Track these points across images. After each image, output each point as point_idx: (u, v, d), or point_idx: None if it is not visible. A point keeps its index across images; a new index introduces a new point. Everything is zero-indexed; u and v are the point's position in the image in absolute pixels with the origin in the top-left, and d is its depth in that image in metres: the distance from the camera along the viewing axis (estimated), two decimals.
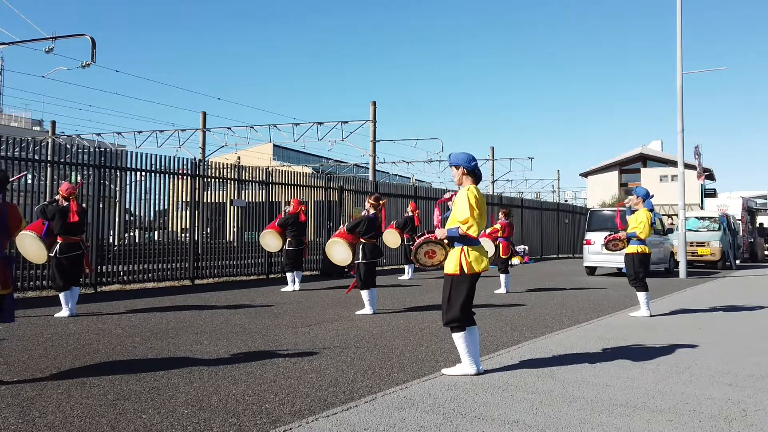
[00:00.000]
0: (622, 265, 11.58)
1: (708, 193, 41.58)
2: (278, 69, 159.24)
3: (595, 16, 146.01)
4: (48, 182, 12.24)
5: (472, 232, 4.85)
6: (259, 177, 15.39)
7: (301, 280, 12.21)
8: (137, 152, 12.68)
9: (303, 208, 12.35)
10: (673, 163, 29.14)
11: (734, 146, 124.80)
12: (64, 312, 8.02)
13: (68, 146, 12.85)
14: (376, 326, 7.50)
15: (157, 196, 13.10)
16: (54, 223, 7.95)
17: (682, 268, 17.00)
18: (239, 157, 37.62)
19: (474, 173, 5.03)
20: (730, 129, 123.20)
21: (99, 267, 11.58)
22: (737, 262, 23.50)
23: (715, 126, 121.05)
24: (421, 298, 10.71)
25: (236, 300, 10.24)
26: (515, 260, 14.91)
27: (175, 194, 14.05)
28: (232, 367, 5.17)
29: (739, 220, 26.02)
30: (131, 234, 15.21)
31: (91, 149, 12.36)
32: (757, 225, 30.45)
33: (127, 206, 14.03)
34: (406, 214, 15.41)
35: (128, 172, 12.69)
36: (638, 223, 8.92)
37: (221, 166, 15.48)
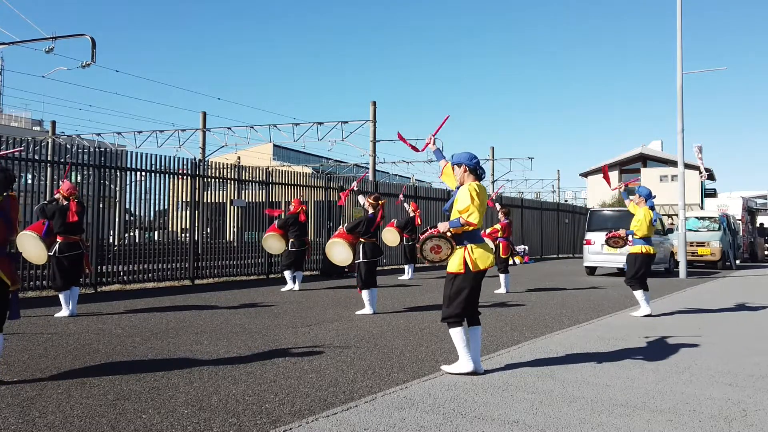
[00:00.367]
0: (623, 265, 11.60)
1: (708, 193, 41.65)
2: (278, 69, 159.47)
3: (595, 16, 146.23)
4: (48, 182, 12.24)
5: (474, 219, 4.84)
6: (259, 177, 15.40)
7: (301, 280, 12.22)
8: (137, 152, 12.70)
9: (304, 208, 12.35)
10: (673, 163, 29.14)
11: (734, 146, 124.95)
12: (64, 312, 8.02)
13: (68, 146, 12.85)
14: (376, 326, 7.50)
15: (157, 196, 13.12)
16: (54, 222, 7.96)
17: (682, 268, 17.00)
18: (239, 157, 37.66)
19: (476, 171, 5.05)
20: (730, 129, 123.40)
21: (99, 267, 11.58)
22: (737, 262, 23.50)
23: (715, 126, 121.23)
24: (421, 298, 10.71)
25: (236, 300, 10.23)
26: (516, 260, 14.91)
27: (175, 194, 14.06)
28: (232, 367, 5.17)
29: (739, 220, 26.02)
30: (131, 234, 15.22)
31: (91, 149, 12.37)
32: (757, 225, 30.45)
33: (127, 206, 14.05)
34: (408, 213, 15.40)
35: (128, 172, 12.69)
36: (637, 221, 8.93)
37: (221, 166, 15.49)
